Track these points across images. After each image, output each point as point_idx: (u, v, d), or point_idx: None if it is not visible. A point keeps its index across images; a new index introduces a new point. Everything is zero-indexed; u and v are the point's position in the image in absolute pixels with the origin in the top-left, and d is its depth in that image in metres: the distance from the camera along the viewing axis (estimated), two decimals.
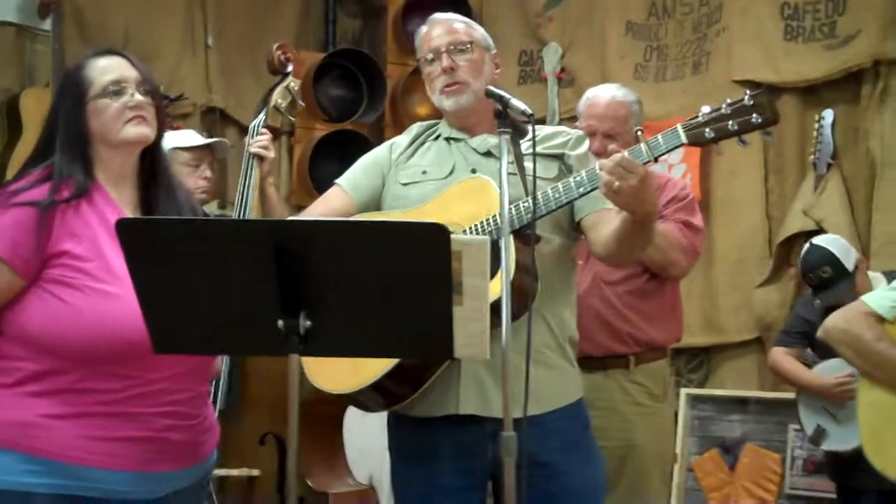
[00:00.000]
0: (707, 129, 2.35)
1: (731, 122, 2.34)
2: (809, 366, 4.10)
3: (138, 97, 2.22)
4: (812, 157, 4.77)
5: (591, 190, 2.42)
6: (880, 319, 3.13)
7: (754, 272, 4.95)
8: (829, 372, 3.97)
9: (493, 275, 2.08)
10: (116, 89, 2.21)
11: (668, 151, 2.39)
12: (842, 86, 4.82)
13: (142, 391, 2.12)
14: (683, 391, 5.03)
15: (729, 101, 2.37)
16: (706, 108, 2.37)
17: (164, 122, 2.34)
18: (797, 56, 4.93)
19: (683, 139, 2.37)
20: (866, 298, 3.22)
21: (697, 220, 3.41)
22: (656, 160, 2.38)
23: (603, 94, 3.43)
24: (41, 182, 2.15)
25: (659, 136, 2.38)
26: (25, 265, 2.09)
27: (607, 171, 2.28)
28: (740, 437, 4.93)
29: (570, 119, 5.41)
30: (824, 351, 3.79)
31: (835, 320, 3.25)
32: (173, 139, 3.59)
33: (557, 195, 2.45)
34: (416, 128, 2.82)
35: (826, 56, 4.85)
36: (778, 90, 4.96)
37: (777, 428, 4.83)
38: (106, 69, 2.23)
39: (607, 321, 3.34)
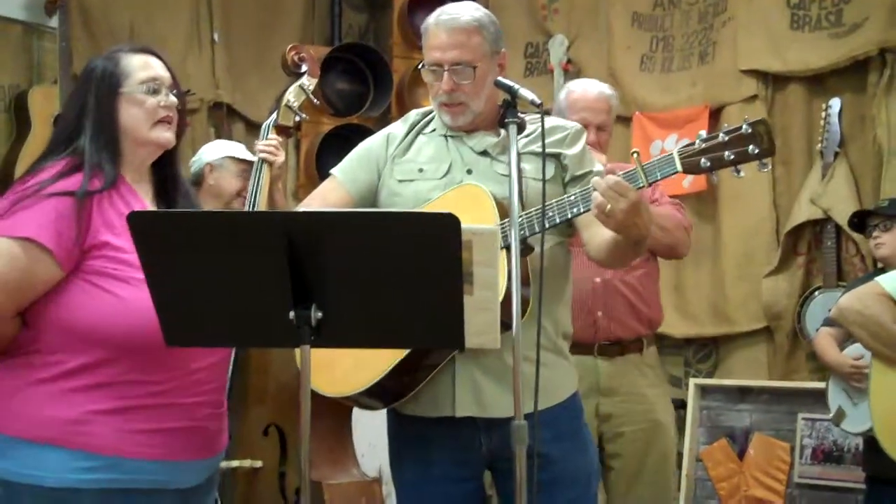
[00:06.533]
0: (703, 159, 2.30)
1: (727, 152, 2.28)
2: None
3: (171, 98, 2.27)
4: (819, 145, 4.77)
5: (585, 211, 2.40)
6: (895, 303, 3.11)
7: (762, 262, 4.95)
8: (852, 352, 3.92)
9: None
10: (154, 87, 2.25)
11: (664, 178, 2.36)
12: (848, 74, 4.81)
13: (184, 381, 2.15)
14: (692, 381, 5.03)
15: (727, 127, 2.31)
16: (703, 134, 2.32)
17: (185, 122, 2.37)
18: (803, 45, 4.92)
19: (679, 168, 2.32)
20: (881, 280, 3.20)
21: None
22: (650, 185, 2.36)
23: (591, 88, 3.52)
24: (69, 172, 2.14)
25: (655, 162, 2.35)
26: (68, 256, 2.08)
27: (601, 192, 2.26)
28: (749, 426, 4.93)
29: None
30: None
31: (850, 301, 3.23)
32: (228, 148, 3.92)
33: (550, 214, 2.43)
34: (412, 115, 2.75)
35: (832, 45, 4.84)
36: (784, 79, 4.97)
37: (786, 417, 4.83)
38: (144, 65, 2.26)
39: (633, 304, 3.46)
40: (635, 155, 2.37)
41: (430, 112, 2.73)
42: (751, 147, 2.27)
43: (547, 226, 2.41)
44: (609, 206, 2.25)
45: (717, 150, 2.29)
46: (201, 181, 3.89)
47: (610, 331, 3.42)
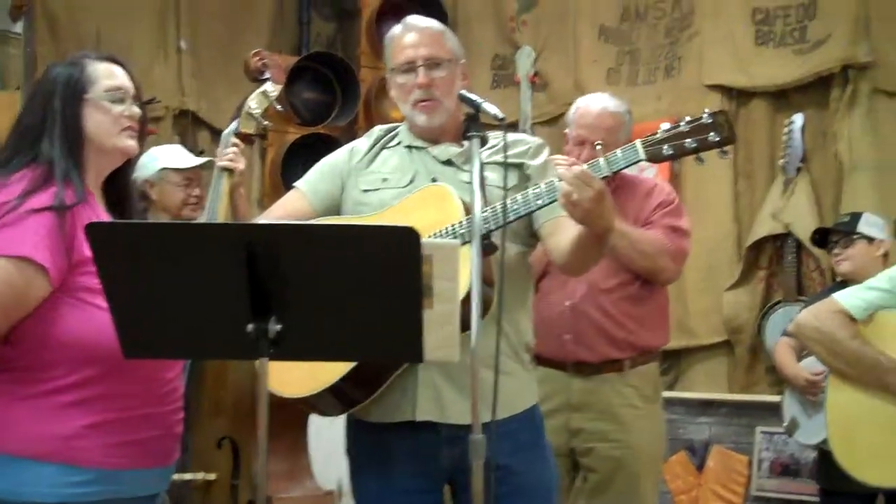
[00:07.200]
0: (665, 147, 2.36)
1: (688, 140, 2.34)
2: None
3: (135, 109, 2.26)
4: (782, 160, 4.81)
5: (550, 202, 2.43)
6: (852, 319, 3.13)
7: (724, 275, 4.99)
8: (811, 366, 3.96)
9: None
10: (119, 96, 2.24)
11: (627, 167, 2.40)
12: (811, 90, 4.88)
13: (161, 391, 2.17)
14: None
15: (688, 118, 2.37)
16: (665, 125, 2.38)
17: (146, 132, 2.36)
18: (768, 61, 4.97)
19: (642, 155, 2.37)
20: (838, 297, 3.22)
21: (684, 223, 3.46)
22: (615, 175, 2.40)
23: (594, 104, 3.45)
24: (42, 185, 2.11)
25: (618, 152, 2.39)
26: (59, 273, 2.07)
27: (567, 182, 2.29)
28: (708, 439, 4.96)
29: (543, 123, 5.46)
30: None
31: (807, 317, 3.25)
32: (163, 159, 3.60)
33: (515, 206, 2.45)
34: (377, 131, 2.79)
35: (797, 61, 4.90)
36: (749, 94, 5.02)
37: (744, 430, 4.87)
38: (109, 73, 2.25)
39: (605, 329, 3.38)
40: (598, 146, 2.42)
41: (394, 127, 2.77)
42: (711, 135, 2.34)
43: (511, 218, 2.43)
44: (575, 195, 2.28)
45: (678, 139, 2.35)
46: (147, 197, 3.58)
47: (577, 354, 3.37)
